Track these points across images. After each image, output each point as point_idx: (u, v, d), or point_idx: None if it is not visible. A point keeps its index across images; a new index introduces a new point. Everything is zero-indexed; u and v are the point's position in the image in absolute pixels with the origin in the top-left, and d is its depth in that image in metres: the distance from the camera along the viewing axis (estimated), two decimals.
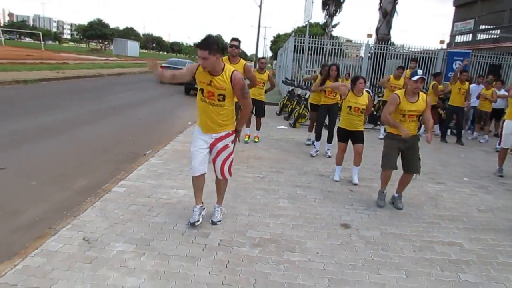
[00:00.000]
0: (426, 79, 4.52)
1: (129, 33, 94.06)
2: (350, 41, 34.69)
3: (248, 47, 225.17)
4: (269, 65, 77.19)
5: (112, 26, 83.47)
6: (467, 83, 8.78)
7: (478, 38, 22.48)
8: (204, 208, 3.68)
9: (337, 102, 6.55)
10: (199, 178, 3.53)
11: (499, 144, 7.36)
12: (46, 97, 11.62)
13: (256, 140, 7.39)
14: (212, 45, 3.13)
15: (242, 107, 3.49)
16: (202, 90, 3.36)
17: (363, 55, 15.23)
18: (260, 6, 34.64)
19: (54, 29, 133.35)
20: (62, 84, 15.63)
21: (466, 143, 8.98)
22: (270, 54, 74.38)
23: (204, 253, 3.14)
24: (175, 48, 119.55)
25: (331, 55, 15.44)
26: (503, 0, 21.57)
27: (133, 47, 66.85)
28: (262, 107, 7.30)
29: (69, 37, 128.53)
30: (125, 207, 3.87)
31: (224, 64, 3.33)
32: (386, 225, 4.04)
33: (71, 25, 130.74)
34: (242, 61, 5.64)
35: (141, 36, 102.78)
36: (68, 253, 2.96)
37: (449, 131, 9.56)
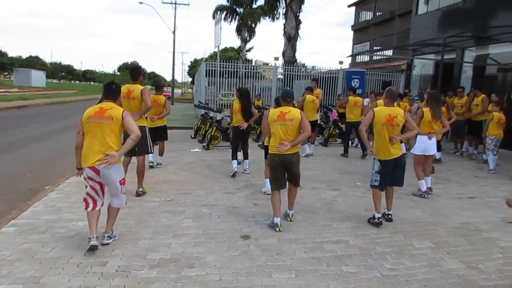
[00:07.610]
0: None
1: (33, 62, 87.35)
2: (267, 64, 36.28)
3: (167, 73, 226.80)
4: (190, 90, 77.39)
5: (13, 55, 76.96)
6: (360, 99, 9.78)
7: (374, 58, 25.13)
8: None
9: None
10: None
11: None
12: None
13: None
14: None
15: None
16: None
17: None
18: (173, 32, 34.84)
19: None
20: None
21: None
22: (189, 79, 74.54)
23: (100, 281, 3.12)
24: (88, 76, 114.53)
25: (247, 78, 16.19)
26: (391, 25, 24.69)
27: (38, 77, 61.80)
28: None
29: None
30: (14, 247, 3.67)
31: None
32: (283, 232, 4.36)
33: None
34: None
35: (48, 65, 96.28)
36: None
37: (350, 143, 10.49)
